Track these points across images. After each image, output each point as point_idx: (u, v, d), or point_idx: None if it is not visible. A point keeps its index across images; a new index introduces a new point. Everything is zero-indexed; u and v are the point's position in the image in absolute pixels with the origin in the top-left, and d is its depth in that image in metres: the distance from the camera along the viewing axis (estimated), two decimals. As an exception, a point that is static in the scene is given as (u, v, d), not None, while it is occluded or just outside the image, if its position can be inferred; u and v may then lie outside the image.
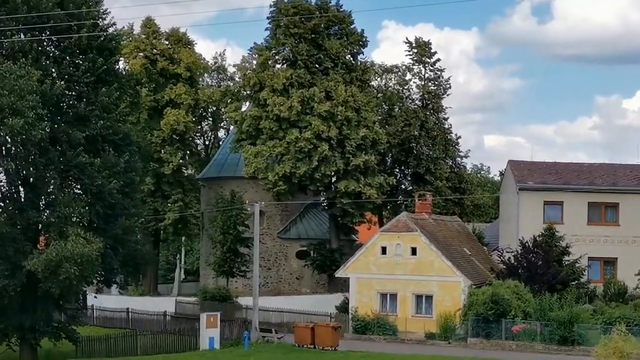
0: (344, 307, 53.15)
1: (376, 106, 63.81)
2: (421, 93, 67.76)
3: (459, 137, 70.18)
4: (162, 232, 73.36)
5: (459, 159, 69.97)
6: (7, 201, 44.05)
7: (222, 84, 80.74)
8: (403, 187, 68.59)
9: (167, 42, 71.57)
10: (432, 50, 67.54)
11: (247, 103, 63.12)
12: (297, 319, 52.11)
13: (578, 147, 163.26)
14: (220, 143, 77.73)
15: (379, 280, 50.62)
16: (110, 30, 46.50)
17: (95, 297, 54.27)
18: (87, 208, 42.93)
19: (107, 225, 44.14)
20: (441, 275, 49.07)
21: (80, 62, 44.67)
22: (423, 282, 49.58)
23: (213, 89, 76.00)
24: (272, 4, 60.56)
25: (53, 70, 44.38)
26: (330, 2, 60.94)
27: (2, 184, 43.99)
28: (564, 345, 43.79)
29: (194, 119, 72.10)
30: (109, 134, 44.43)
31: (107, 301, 60.71)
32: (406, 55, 67.71)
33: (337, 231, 63.25)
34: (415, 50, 67.13)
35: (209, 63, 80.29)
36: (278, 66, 61.07)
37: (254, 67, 60.78)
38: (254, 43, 61.22)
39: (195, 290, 68.80)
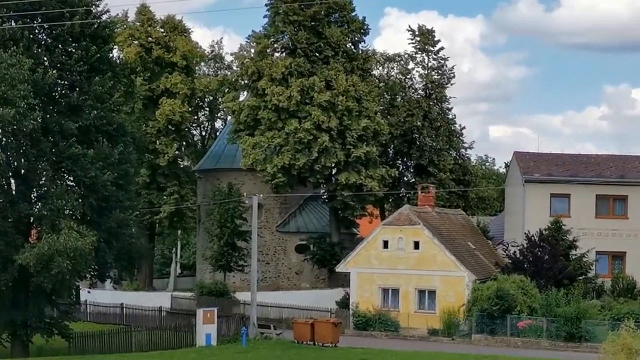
0: (344, 303, 52.80)
1: (378, 96, 62.98)
2: (424, 82, 66.92)
3: (463, 127, 69.66)
4: (157, 225, 72.72)
5: (463, 150, 69.20)
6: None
7: (219, 73, 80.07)
8: (405, 179, 67.89)
9: (162, 30, 70.61)
10: (436, 39, 66.79)
11: (245, 93, 62.40)
12: (297, 315, 51.63)
13: (586, 138, 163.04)
14: (218, 134, 77.16)
15: (381, 275, 50.11)
16: (104, 17, 46.19)
17: (89, 292, 53.50)
18: (80, 200, 42.70)
19: (100, 218, 43.80)
20: (444, 269, 48.71)
21: (73, 51, 44.36)
22: (426, 277, 49.17)
23: (210, 78, 75.23)
24: (271, -10, 59.65)
25: (45, 58, 44.09)
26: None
27: (-8, 175, 43.43)
28: (570, 342, 43.43)
29: (190, 109, 71.14)
30: (103, 125, 44.07)
31: (100, 296, 60.12)
32: (409, 44, 67.02)
33: (338, 224, 62.50)
34: (418, 39, 66.31)
35: (206, 51, 79.63)
36: (277, 55, 60.24)
37: (252, 55, 59.98)
38: (252, 31, 60.62)
39: (191, 285, 68.12)
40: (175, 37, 69.87)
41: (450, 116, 67.98)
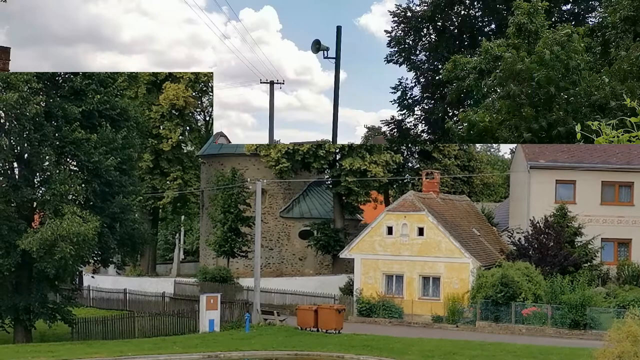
0: (348, 289, 52.46)
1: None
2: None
3: (468, 112, 68.76)
4: (160, 210, 72.52)
5: (467, 136, 68.39)
6: (1, 178, 43.33)
7: (223, 58, 79.44)
8: (410, 165, 67.45)
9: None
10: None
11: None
12: (300, 301, 51.53)
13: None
14: (221, 119, 76.57)
15: (385, 261, 49.83)
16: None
17: (93, 277, 53.36)
18: (83, 185, 42.30)
19: (104, 204, 43.57)
20: (449, 256, 48.40)
21: (76, 34, 43.62)
22: (430, 264, 48.84)
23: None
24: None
25: (48, 42, 43.35)
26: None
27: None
28: (575, 330, 43.06)
29: (193, 94, 70.77)
30: (106, 109, 43.84)
31: (103, 282, 59.92)
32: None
33: (342, 210, 62.18)
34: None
35: (210, 37, 78.95)
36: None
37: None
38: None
39: (194, 270, 68.02)
40: (179, 22, 69.60)
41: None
